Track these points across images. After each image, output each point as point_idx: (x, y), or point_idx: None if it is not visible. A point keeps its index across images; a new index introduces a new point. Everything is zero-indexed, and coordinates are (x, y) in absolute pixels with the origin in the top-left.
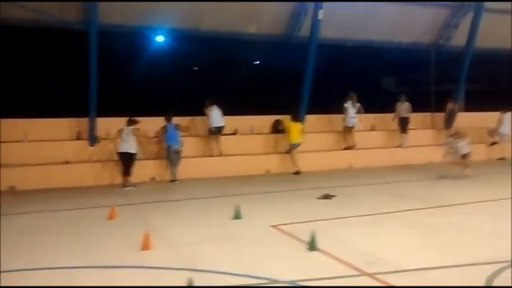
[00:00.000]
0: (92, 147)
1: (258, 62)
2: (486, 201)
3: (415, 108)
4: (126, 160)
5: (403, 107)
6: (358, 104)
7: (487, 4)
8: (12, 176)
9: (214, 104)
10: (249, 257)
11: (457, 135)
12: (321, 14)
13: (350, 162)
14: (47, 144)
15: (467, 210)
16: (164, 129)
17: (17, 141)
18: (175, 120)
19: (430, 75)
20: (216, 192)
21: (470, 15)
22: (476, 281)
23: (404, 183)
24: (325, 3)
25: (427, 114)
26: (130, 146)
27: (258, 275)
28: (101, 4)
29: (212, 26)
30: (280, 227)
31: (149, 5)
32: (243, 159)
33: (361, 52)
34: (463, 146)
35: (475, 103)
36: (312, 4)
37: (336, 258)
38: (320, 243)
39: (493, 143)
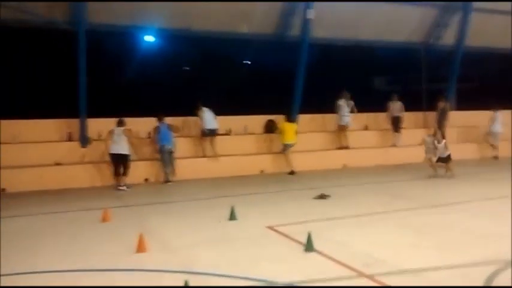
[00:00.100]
0: (84, 149)
1: (249, 62)
2: (480, 200)
3: (407, 108)
4: (119, 161)
5: (396, 106)
6: (352, 102)
7: (476, 4)
8: (3, 178)
9: (206, 106)
10: (245, 259)
11: (436, 136)
12: (311, 14)
13: (344, 162)
14: (37, 145)
15: (462, 209)
16: (157, 130)
17: (6, 143)
18: (168, 120)
19: (421, 74)
20: (210, 193)
21: (459, 15)
22: (475, 281)
23: (398, 183)
24: (316, 3)
25: (419, 113)
26: (122, 147)
27: (254, 277)
28: (90, 3)
29: (203, 26)
30: (276, 227)
31: (139, 4)
32: (236, 160)
33: (352, 51)
34: (441, 148)
35: (466, 102)
36: (302, 4)
37: (333, 259)
38: (316, 243)
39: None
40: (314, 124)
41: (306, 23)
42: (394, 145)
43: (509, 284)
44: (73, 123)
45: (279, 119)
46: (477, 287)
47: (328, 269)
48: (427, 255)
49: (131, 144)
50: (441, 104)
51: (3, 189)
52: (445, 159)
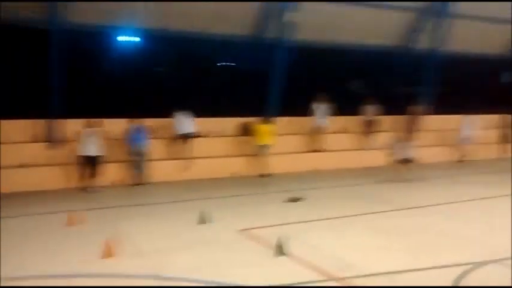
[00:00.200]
0: (51, 150)
1: (224, 63)
2: (453, 202)
3: (383, 111)
4: (88, 163)
5: (371, 109)
6: (327, 105)
7: (452, 9)
8: None
9: (183, 109)
10: (217, 263)
11: (400, 138)
12: (289, 16)
13: (317, 165)
14: (2, 146)
15: (434, 212)
16: (130, 131)
17: None
18: (142, 121)
19: (397, 78)
20: (182, 196)
21: (436, 20)
22: (444, 283)
23: (371, 185)
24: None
25: (394, 117)
26: (92, 148)
27: (225, 282)
28: (64, 2)
29: (180, 26)
30: (249, 231)
31: (116, 3)
32: (210, 162)
33: (329, 54)
34: (405, 150)
35: (444, 106)
36: (280, 6)
37: (304, 263)
38: (289, 247)
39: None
40: (290, 127)
41: (283, 25)
42: (365, 148)
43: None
44: (40, 124)
45: (254, 121)
46: (447, 287)
47: (299, 273)
48: (398, 258)
49: (101, 145)
50: (412, 108)
51: None
52: (407, 161)
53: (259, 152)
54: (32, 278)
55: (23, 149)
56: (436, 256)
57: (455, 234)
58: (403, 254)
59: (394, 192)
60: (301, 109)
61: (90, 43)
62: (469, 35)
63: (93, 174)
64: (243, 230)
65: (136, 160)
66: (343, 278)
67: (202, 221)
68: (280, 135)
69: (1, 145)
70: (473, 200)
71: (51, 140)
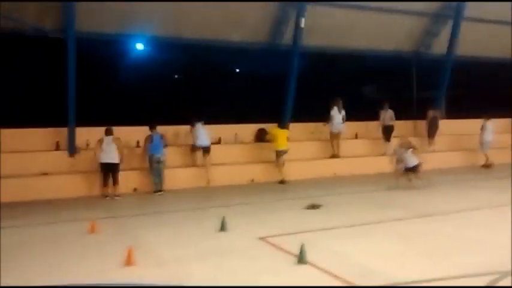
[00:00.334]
0: (72, 158)
1: (239, 70)
2: (471, 210)
3: (398, 116)
4: (108, 171)
5: (387, 115)
6: (343, 111)
7: (466, 13)
8: None
9: (200, 121)
10: (237, 272)
11: (404, 145)
12: (303, 22)
13: (335, 171)
14: (24, 155)
15: (453, 218)
16: (149, 139)
17: None
18: (158, 129)
19: (411, 82)
20: (200, 203)
21: (449, 24)
22: None
23: (389, 192)
24: (308, 12)
25: (409, 122)
26: (112, 156)
27: None
28: (79, 11)
29: (195, 34)
30: (268, 239)
31: (130, 11)
32: (227, 169)
33: (343, 60)
34: (410, 157)
35: (457, 110)
36: (294, 12)
37: (327, 271)
38: (309, 255)
39: (485, 165)
40: (305, 133)
41: (297, 31)
42: (384, 154)
43: None
44: (61, 132)
45: (270, 127)
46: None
47: (322, 282)
48: (421, 265)
49: (121, 153)
50: (430, 113)
51: None
52: (413, 169)
53: (277, 157)
54: (54, 287)
55: (44, 157)
56: (461, 264)
57: (475, 241)
58: (425, 261)
59: (411, 198)
60: (314, 114)
61: (107, 51)
62: (482, 38)
63: (113, 182)
64: (262, 237)
65: (155, 167)
66: (368, 287)
67: (222, 228)
68: (295, 141)
69: (24, 153)
70: (492, 206)
71: (71, 147)
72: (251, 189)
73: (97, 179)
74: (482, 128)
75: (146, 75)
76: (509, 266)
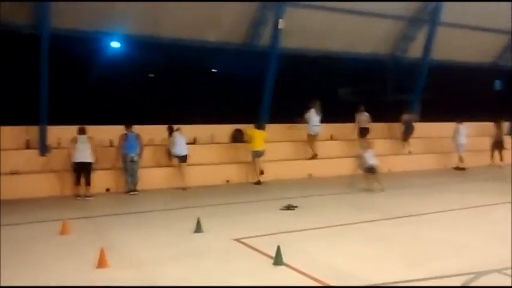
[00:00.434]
0: (43, 157)
1: (215, 70)
2: (446, 211)
3: (372, 119)
4: (82, 170)
5: (363, 117)
6: (319, 112)
7: (443, 18)
8: None
9: (177, 130)
10: (212, 273)
11: (364, 146)
12: (281, 24)
13: (310, 172)
14: None
15: (426, 220)
16: (124, 137)
17: None
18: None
19: (387, 86)
20: (175, 204)
21: (426, 28)
22: None
23: (364, 193)
24: (286, 14)
25: (384, 125)
26: (86, 155)
27: None
28: (53, 7)
29: (171, 33)
30: (244, 240)
31: (106, 9)
32: (202, 169)
33: (319, 62)
34: (369, 157)
35: (430, 113)
36: (272, 13)
37: (303, 273)
38: (285, 257)
39: (458, 168)
40: (281, 134)
41: (275, 32)
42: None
43: None
44: (32, 130)
45: (246, 128)
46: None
47: (298, 283)
48: (396, 267)
49: (95, 152)
50: (405, 117)
51: None
52: (371, 169)
53: (254, 157)
54: None
55: (14, 156)
56: (436, 266)
57: (450, 243)
58: (400, 263)
59: (386, 199)
60: (290, 116)
61: (82, 49)
62: (458, 43)
63: (86, 182)
64: (238, 238)
65: (128, 167)
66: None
67: (197, 229)
68: (270, 143)
69: None
70: (465, 208)
71: (43, 146)
72: (226, 190)
73: (69, 179)
74: (456, 132)
75: (121, 74)
76: (484, 266)
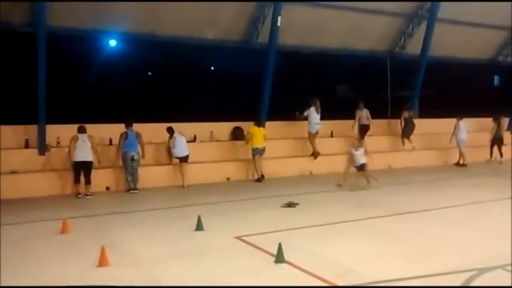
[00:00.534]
0: (42, 156)
1: (215, 68)
2: (447, 207)
3: (372, 116)
4: (83, 169)
5: (363, 114)
6: (319, 110)
7: (441, 14)
8: None
9: (178, 131)
10: (214, 272)
11: (354, 145)
12: (279, 21)
13: (311, 169)
14: None
15: (427, 216)
16: (124, 136)
17: None
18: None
19: (386, 82)
20: (176, 202)
21: (424, 25)
22: None
23: (365, 190)
24: (284, 11)
25: (384, 121)
26: (86, 154)
27: None
28: (51, 5)
29: (169, 31)
30: (245, 238)
31: (103, 7)
32: (202, 167)
33: (318, 59)
34: (358, 156)
35: (431, 110)
36: (270, 11)
37: (304, 270)
38: (287, 254)
39: (459, 164)
40: (280, 131)
41: (274, 30)
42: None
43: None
44: (30, 130)
45: (245, 125)
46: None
47: (301, 281)
48: (398, 264)
49: (95, 151)
50: (405, 114)
51: None
52: (361, 167)
53: (254, 155)
54: None
55: (13, 155)
56: (438, 262)
57: (452, 239)
58: (402, 259)
59: (387, 196)
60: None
61: (80, 48)
62: (456, 39)
63: (85, 181)
64: (239, 236)
65: (128, 165)
66: (347, 287)
67: (198, 227)
68: (270, 140)
69: None
70: (467, 204)
71: (42, 145)
72: (227, 187)
73: (69, 178)
74: (456, 128)
75: (119, 72)
76: (486, 263)
